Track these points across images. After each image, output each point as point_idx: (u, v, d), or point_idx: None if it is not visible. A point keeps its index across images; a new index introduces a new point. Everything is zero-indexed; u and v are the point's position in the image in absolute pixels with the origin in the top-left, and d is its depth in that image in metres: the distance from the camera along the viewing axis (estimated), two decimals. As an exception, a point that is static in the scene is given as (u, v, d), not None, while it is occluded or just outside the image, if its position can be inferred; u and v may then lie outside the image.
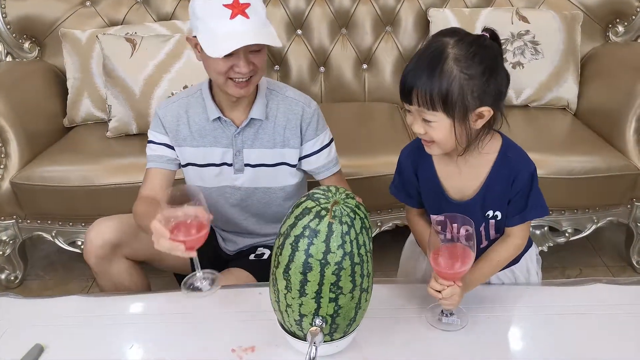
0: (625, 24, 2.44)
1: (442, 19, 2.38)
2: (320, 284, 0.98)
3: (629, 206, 2.11)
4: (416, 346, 1.14)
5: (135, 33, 2.26)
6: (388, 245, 2.35)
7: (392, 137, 2.13)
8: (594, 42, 2.45)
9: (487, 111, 1.09)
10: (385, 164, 1.98)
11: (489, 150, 1.19)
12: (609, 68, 2.30)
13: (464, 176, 1.21)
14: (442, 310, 1.18)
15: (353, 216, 1.00)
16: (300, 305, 1.01)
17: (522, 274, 1.38)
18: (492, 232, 1.26)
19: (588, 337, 1.16)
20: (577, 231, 2.14)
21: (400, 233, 2.21)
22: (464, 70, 1.05)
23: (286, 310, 1.04)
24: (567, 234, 2.13)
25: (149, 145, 1.51)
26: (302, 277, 0.99)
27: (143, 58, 2.17)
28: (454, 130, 1.09)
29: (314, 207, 1.00)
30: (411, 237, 1.49)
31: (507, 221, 1.23)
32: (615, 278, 2.01)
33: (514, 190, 1.19)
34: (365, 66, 2.53)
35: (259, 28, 1.29)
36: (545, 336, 1.16)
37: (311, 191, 1.05)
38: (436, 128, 1.10)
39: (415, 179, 1.28)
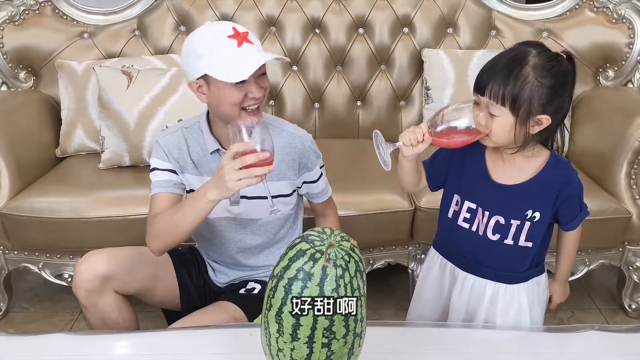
0: (615, 68, 2.48)
1: (436, 59, 2.41)
2: (313, 328, 0.97)
3: (620, 249, 2.11)
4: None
5: (132, 66, 2.27)
6: (380, 284, 2.34)
7: (384, 175, 2.09)
8: (584, 86, 2.48)
9: (545, 119, 1.21)
10: (377, 201, 1.98)
11: (537, 156, 1.30)
12: (599, 111, 2.33)
13: (508, 170, 1.32)
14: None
15: (348, 259, 0.99)
16: (292, 350, 0.99)
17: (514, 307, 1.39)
18: (522, 237, 1.33)
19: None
20: (569, 273, 2.14)
21: (392, 271, 2.21)
22: (538, 78, 1.18)
23: (277, 355, 1.02)
24: (559, 276, 2.12)
25: (154, 172, 1.49)
26: (294, 321, 0.97)
27: (139, 91, 2.17)
28: (514, 128, 1.21)
29: (309, 249, 0.99)
30: (422, 278, 1.52)
31: (565, 226, 1.38)
32: (608, 325, 2.00)
33: (564, 194, 1.31)
34: (359, 103, 2.55)
35: (264, 50, 1.36)
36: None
37: (306, 233, 1.04)
38: (498, 122, 1.21)
39: (458, 166, 1.38)
